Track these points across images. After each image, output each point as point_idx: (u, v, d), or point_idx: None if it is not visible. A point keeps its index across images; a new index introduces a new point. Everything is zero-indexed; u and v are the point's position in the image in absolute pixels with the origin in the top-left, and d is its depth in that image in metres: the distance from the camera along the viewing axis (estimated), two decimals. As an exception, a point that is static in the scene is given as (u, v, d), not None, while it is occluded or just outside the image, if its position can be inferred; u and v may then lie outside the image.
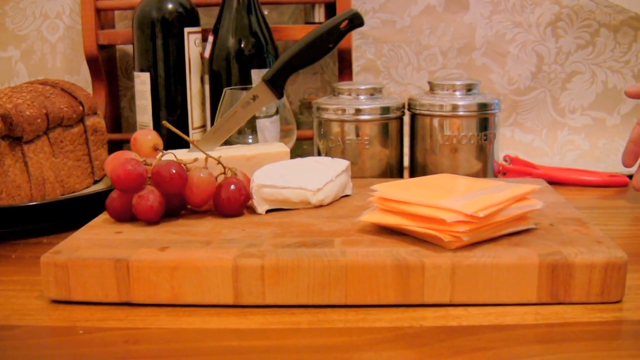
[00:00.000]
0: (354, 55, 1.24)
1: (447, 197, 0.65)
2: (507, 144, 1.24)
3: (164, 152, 0.78)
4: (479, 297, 0.61)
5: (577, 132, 1.25)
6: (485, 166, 0.98)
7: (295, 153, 1.03)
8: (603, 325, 0.58)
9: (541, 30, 1.23)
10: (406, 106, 1.01)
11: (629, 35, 1.23)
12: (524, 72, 1.24)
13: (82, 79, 1.29)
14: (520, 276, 0.60)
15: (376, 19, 1.24)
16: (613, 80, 1.24)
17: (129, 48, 1.28)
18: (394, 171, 1.00)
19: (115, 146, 1.19)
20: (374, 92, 0.99)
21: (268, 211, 0.78)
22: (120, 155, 0.79)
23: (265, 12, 1.12)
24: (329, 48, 0.89)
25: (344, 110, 0.97)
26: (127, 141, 1.20)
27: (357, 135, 0.97)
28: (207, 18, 1.18)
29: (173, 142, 0.94)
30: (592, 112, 1.25)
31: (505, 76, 1.25)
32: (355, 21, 0.88)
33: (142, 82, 1.11)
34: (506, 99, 1.25)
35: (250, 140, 0.97)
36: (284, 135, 0.98)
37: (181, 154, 0.81)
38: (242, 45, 1.07)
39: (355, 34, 1.24)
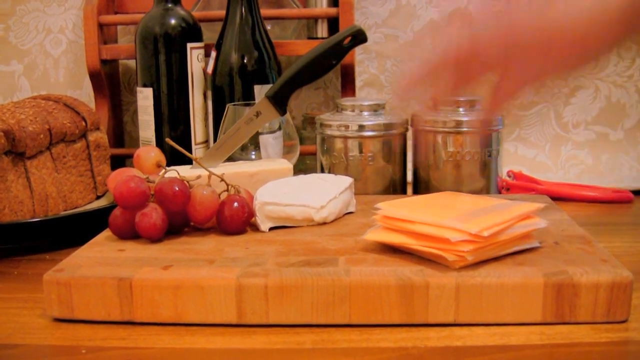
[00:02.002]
0: (357, 70, 1.24)
1: (451, 216, 0.65)
2: (511, 158, 1.23)
3: (167, 168, 0.78)
4: (483, 316, 0.61)
5: (580, 147, 1.25)
6: (489, 182, 0.98)
7: (298, 168, 1.03)
8: (609, 345, 0.57)
9: None
10: (409, 122, 1.01)
11: (632, 50, 1.22)
12: (527, 86, 1.24)
13: (84, 93, 1.29)
14: (525, 296, 0.60)
15: (379, 34, 1.25)
16: (616, 95, 1.24)
17: (131, 63, 1.28)
18: (397, 187, 0.99)
19: (117, 161, 1.19)
20: (377, 108, 0.99)
21: (271, 228, 0.77)
22: (122, 173, 0.79)
23: (268, 27, 1.12)
24: (332, 64, 0.89)
25: (347, 127, 0.96)
26: (130, 156, 1.20)
27: (361, 151, 0.97)
28: (210, 33, 1.18)
29: (176, 158, 0.94)
30: (596, 127, 1.25)
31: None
32: (359, 37, 0.88)
33: (145, 97, 1.11)
34: (509, 114, 1.24)
35: (253, 157, 0.97)
36: (286, 151, 0.97)
37: (184, 171, 0.81)
38: (245, 61, 1.07)
39: (358, 49, 1.24)
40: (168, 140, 0.81)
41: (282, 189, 0.80)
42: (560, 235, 0.73)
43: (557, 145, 1.25)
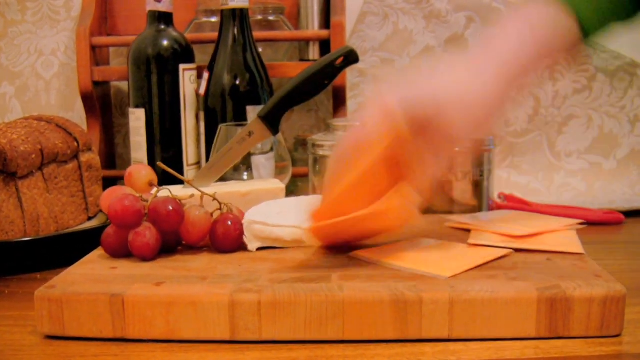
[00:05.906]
0: (352, 93, 1.25)
1: None
2: (504, 185, 1.24)
3: (160, 187, 0.78)
4: (477, 331, 0.60)
5: (573, 175, 1.25)
6: (481, 202, 0.98)
7: (290, 190, 1.03)
8: (603, 359, 0.57)
9: (539, 73, 1.23)
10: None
11: (624, 81, 1.23)
12: (521, 114, 1.25)
13: (76, 115, 1.29)
14: (519, 310, 0.60)
15: (375, 58, 1.25)
16: (609, 125, 1.25)
17: (123, 85, 1.28)
18: (389, 207, 0.99)
19: (109, 183, 1.18)
20: (369, 129, 0.99)
21: (262, 249, 0.77)
22: (116, 191, 0.78)
23: (260, 50, 1.13)
24: (324, 84, 0.89)
25: (339, 147, 0.96)
26: (122, 178, 1.19)
27: (352, 171, 0.96)
28: (202, 55, 1.18)
29: (167, 178, 0.94)
30: (589, 156, 1.26)
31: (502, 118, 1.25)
32: (350, 58, 0.88)
33: (137, 118, 1.11)
34: (503, 141, 1.25)
35: (245, 177, 0.97)
36: (279, 172, 0.97)
37: (176, 190, 0.81)
38: (237, 82, 1.07)
39: (354, 72, 1.25)
40: (160, 164, 0.81)
41: (274, 210, 0.80)
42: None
43: (550, 173, 1.26)
